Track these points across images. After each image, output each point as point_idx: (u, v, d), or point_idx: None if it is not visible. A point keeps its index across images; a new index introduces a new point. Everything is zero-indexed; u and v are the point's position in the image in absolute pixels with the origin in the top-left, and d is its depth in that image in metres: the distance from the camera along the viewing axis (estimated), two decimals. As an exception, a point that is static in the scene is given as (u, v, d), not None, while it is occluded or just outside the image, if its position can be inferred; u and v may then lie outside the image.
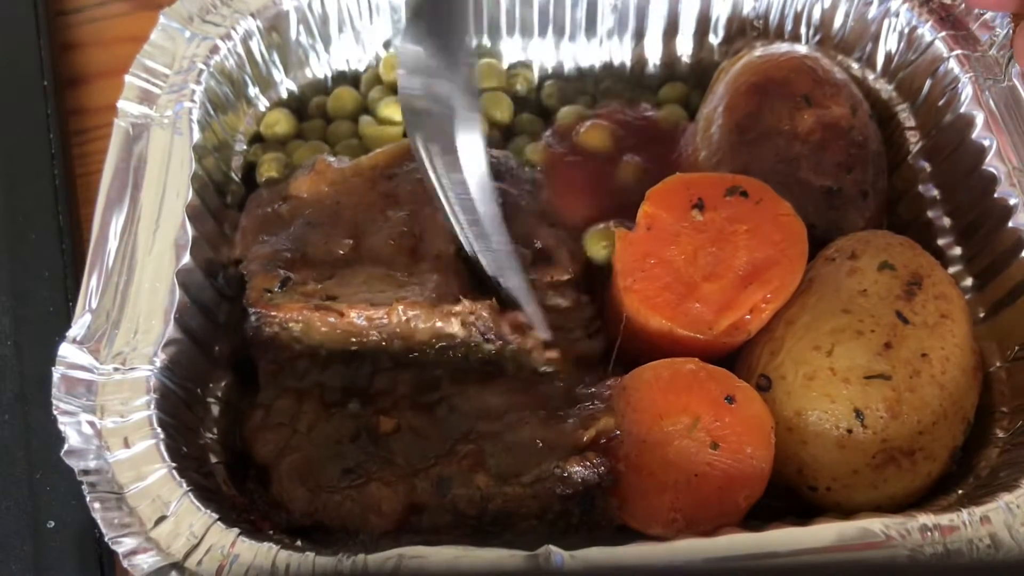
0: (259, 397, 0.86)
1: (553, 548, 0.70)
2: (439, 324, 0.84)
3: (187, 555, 0.71)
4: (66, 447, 0.75)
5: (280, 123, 1.04)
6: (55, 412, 0.76)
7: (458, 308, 0.84)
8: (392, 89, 1.06)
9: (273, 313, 0.85)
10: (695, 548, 0.71)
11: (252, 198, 0.96)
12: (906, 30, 1.02)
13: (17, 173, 1.06)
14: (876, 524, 0.72)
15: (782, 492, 0.82)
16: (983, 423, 0.86)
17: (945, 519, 0.72)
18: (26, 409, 0.91)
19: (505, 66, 1.11)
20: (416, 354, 0.86)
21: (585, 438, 0.78)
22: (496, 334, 0.85)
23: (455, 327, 0.85)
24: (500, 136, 1.06)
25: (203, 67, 0.97)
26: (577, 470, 0.77)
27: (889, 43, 1.04)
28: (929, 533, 0.71)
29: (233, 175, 1.00)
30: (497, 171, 0.95)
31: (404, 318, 0.84)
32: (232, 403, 0.87)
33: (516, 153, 1.01)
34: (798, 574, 0.71)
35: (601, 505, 0.77)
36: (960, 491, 0.81)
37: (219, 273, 0.91)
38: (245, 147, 1.03)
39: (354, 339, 0.86)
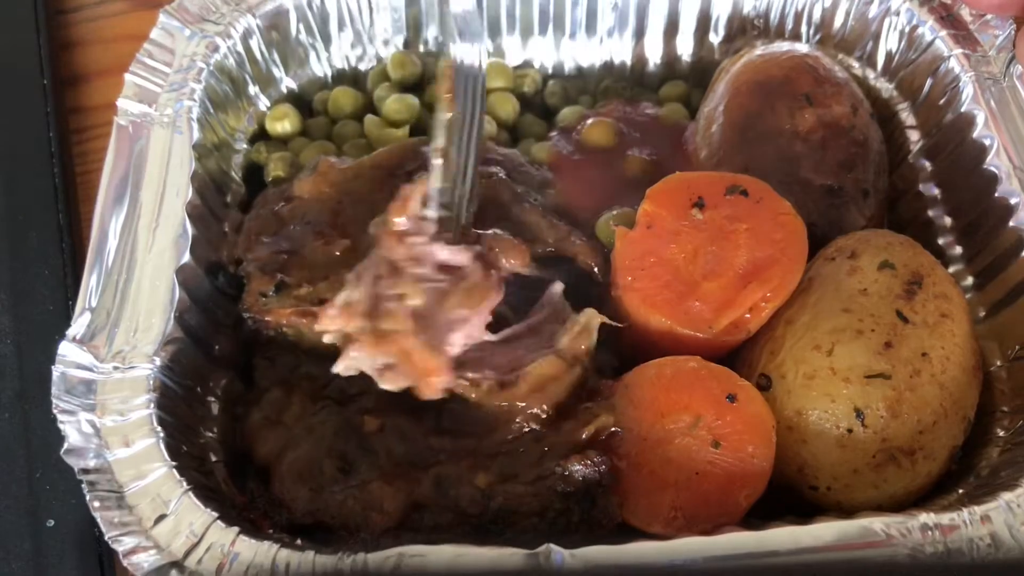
0: (254, 394, 0.86)
1: (553, 547, 0.70)
2: None
3: (187, 554, 0.71)
4: (66, 446, 0.75)
5: (287, 118, 1.03)
6: (55, 411, 0.76)
7: None
8: (398, 86, 1.06)
9: (267, 319, 0.85)
10: (695, 547, 0.71)
11: (259, 198, 0.96)
12: (907, 29, 1.02)
13: (17, 171, 1.06)
14: (877, 523, 0.72)
15: (783, 491, 0.82)
16: (983, 422, 0.86)
17: (946, 518, 0.72)
18: (26, 408, 0.91)
19: (510, 66, 1.11)
20: None
21: (584, 435, 0.78)
22: None
23: None
24: (508, 136, 1.06)
25: (203, 65, 0.97)
26: (578, 468, 0.77)
27: (890, 42, 1.04)
28: (930, 532, 0.71)
29: (233, 174, 1.00)
30: (506, 169, 0.95)
31: None
32: (232, 402, 0.87)
33: (523, 154, 1.01)
34: (798, 574, 0.71)
35: (602, 503, 0.77)
36: (960, 490, 0.81)
37: (219, 272, 0.90)
38: (245, 146, 1.02)
39: None
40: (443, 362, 0.79)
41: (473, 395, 0.81)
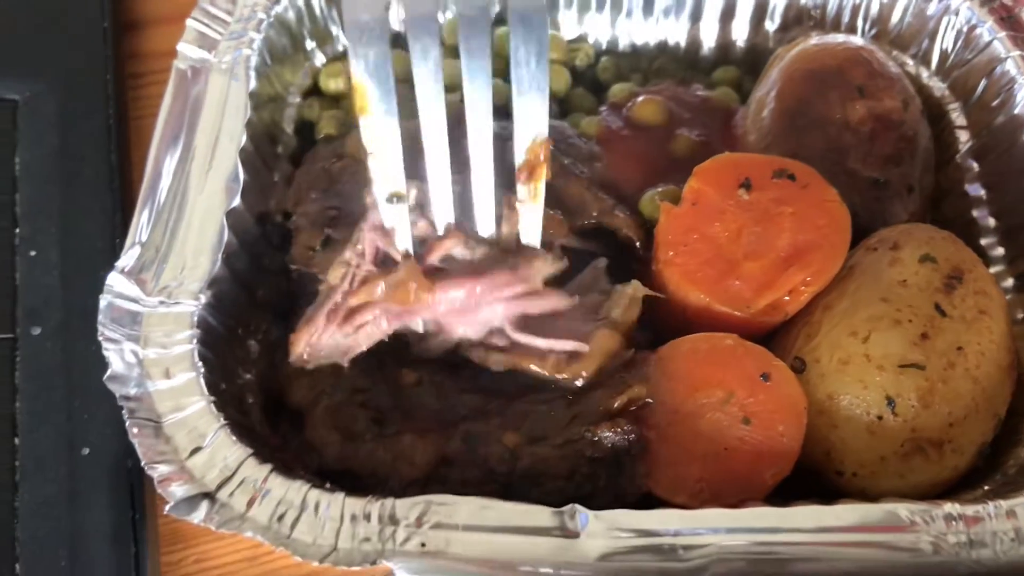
0: None
1: (579, 507, 0.71)
2: None
3: (220, 486, 0.72)
4: (109, 372, 0.76)
5: (341, 76, 1.03)
6: (100, 338, 0.78)
7: None
8: (450, 52, 1.07)
9: (313, 271, 0.86)
10: (719, 517, 0.72)
11: (309, 154, 0.97)
12: (964, 29, 1.01)
13: (74, 110, 1.07)
14: (901, 509, 0.72)
15: (808, 475, 0.82)
16: (1013, 423, 0.86)
17: (970, 510, 0.72)
18: (68, 338, 0.92)
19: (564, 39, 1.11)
20: None
21: (616, 404, 0.79)
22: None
23: None
24: (558, 108, 1.06)
25: (264, 16, 0.98)
26: (607, 435, 0.77)
27: (946, 41, 1.04)
28: (954, 522, 0.72)
29: (285, 127, 1.01)
30: (554, 141, 0.96)
31: None
32: (271, 346, 0.88)
33: (572, 127, 1.01)
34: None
35: (629, 471, 0.78)
36: (986, 487, 0.81)
37: (268, 220, 0.92)
38: (299, 99, 1.03)
39: None
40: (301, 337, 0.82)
41: (545, 370, 0.82)
